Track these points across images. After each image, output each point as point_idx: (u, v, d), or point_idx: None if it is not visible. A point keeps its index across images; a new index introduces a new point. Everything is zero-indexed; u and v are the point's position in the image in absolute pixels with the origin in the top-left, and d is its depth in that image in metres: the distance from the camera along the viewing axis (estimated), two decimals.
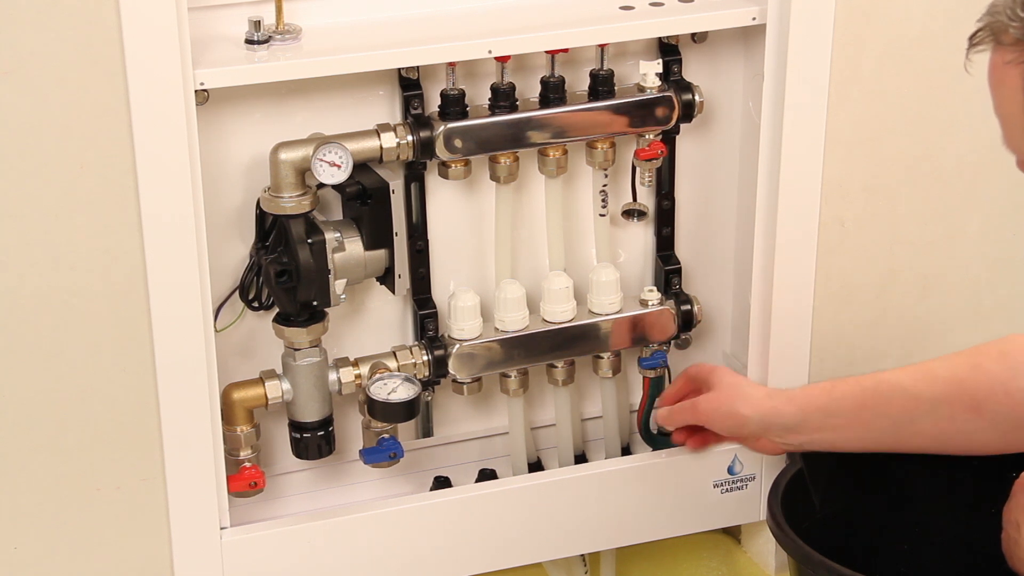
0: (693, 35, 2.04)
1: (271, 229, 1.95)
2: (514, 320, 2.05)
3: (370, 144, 1.92)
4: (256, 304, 2.00)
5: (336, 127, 1.94)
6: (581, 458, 2.22)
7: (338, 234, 1.94)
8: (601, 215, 2.10)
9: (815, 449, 1.89)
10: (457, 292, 2.04)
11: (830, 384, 1.87)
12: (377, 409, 1.99)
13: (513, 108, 1.96)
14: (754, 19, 1.97)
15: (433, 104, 1.96)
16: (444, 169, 1.97)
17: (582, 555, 2.21)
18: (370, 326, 2.09)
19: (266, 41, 1.85)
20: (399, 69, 1.94)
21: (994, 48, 1.36)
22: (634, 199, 2.10)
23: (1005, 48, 1.35)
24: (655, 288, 2.12)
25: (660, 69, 2.00)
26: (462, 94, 1.94)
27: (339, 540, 2.02)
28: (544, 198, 2.07)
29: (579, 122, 1.98)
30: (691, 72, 2.06)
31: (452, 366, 2.04)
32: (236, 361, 2.03)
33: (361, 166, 1.94)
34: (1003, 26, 1.34)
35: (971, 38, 1.37)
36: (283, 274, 1.92)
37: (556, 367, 2.13)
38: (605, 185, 2.08)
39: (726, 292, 2.21)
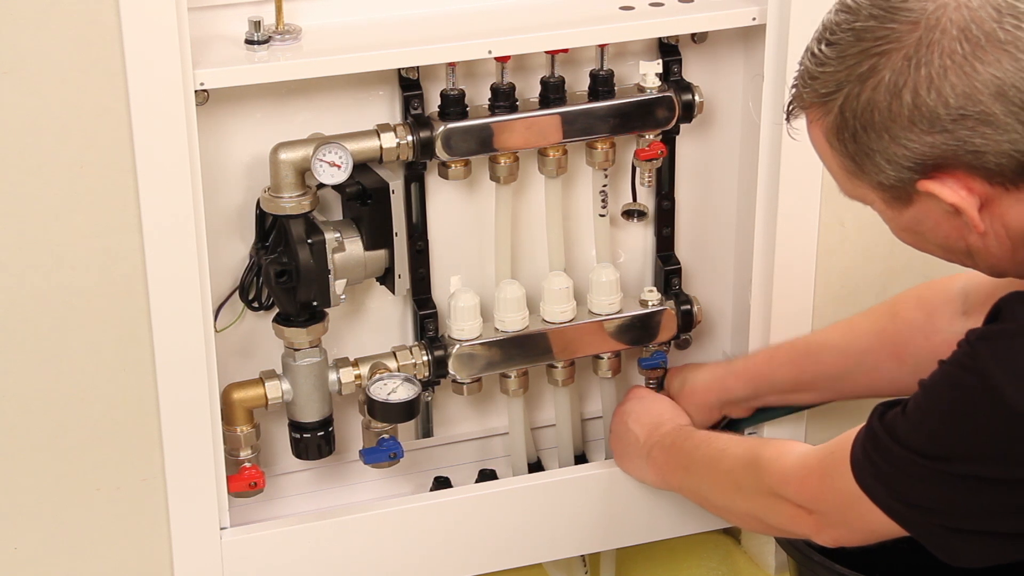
0: (693, 35, 2.04)
1: (271, 229, 1.95)
2: (514, 320, 2.05)
3: (370, 144, 1.92)
4: (256, 304, 2.00)
5: (336, 127, 1.94)
6: (581, 458, 2.22)
7: (338, 234, 1.94)
8: (601, 215, 2.10)
9: (775, 406, 2.08)
10: (457, 292, 2.04)
11: (768, 354, 2.06)
12: (377, 409, 1.99)
13: (513, 108, 1.96)
14: (754, 19, 1.97)
15: (433, 104, 1.96)
16: (444, 169, 1.97)
17: (582, 555, 2.21)
18: (370, 326, 2.09)
19: (266, 41, 1.85)
20: (399, 69, 1.94)
21: (803, 113, 1.49)
22: (634, 199, 2.10)
23: (808, 111, 1.48)
24: (655, 288, 2.12)
25: (660, 69, 2.00)
26: (462, 94, 1.94)
27: (339, 540, 2.02)
28: (544, 198, 2.07)
29: (579, 122, 1.98)
30: (691, 72, 2.06)
31: (452, 366, 2.04)
32: (236, 361, 2.03)
33: (361, 166, 1.94)
34: (801, 93, 1.48)
35: (785, 109, 1.51)
36: (283, 274, 1.92)
37: (556, 367, 2.13)
38: (605, 185, 2.08)
39: (726, 292, 2.21)
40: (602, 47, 1.98)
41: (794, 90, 1.49)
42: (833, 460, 1.59)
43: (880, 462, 1.51)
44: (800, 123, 1.51)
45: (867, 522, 1.56)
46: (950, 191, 1.42)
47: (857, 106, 1.42)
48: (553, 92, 1.97)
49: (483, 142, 1.95)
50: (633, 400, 2.10)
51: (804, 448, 1.70)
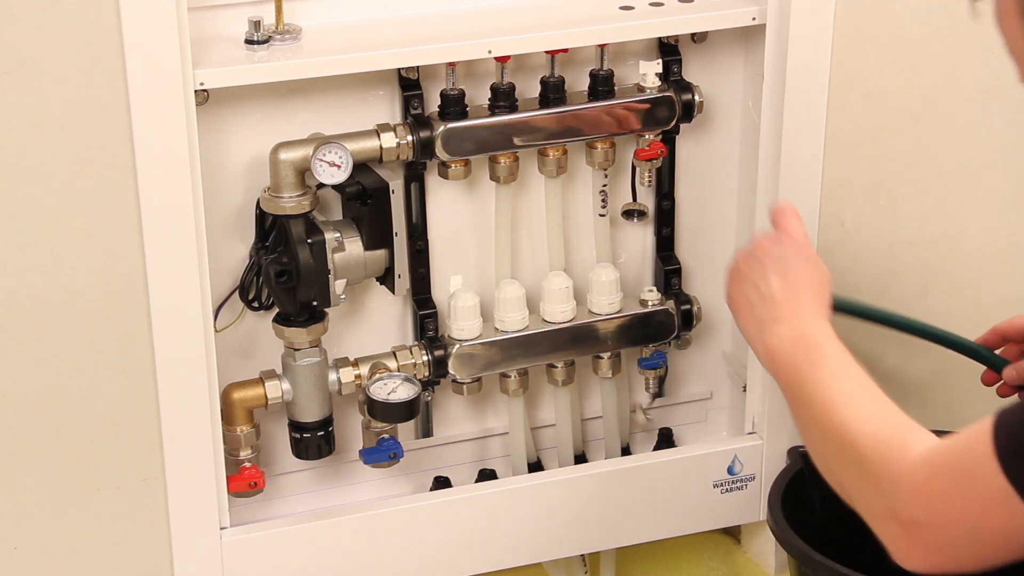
0: (693, 35, 2.04)
1: (271, 229, 1.95)
2: (514, 320, 2.05)
3: (370, 144, 1.92)
4: (256, 304, 2.00)
5: (336, 127, 1.94)
6: (581, 458, 2.22)
7: (338, 234, 1.94)
8: (601, 215, 2.10)
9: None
10: (457, 292, 2.04)
11: None
12: (377, 409, 1.99)
13: (513, 108, 1.96)
14: (754, 19, 1.97)
15: (433, 104, 1.96)
16: (444, 169, 1.97)
17: (582, 555, 2.21)
18: (370, 326, 2.09)
19: (266, 41, 1.85)
20: (399, 69, 1.94)
21: None
22: (634, 199, 2.10)
23: None
24: (655, 288, 2.12)
25: (660, 69, 2.00)
26: (462, 94, 1.94)
27: (339, 540, 2.02)
28: (544, 198, 2.07)
29: (579, 122, 1.98)
30: (691, 72, 2.06)
31: (452, 366, 2.04)
32: (236, 361, 2.03)
33: (361, 166, 1.94)
34: None
35: None
36: (283, 274, 1.92)
37: (556, 367, 2.13)
38: (605, 185, 2.08)
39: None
40: (602, 47, 1.98)
41: None
42: (971, 456, 1.34)
43: None
44: (983, 6, 1.37)
45: (999, 533, 1.33)
46: None
47: None
48: (553, 92, 1.97)
49: (483, 142, 1.95)
50: (789, 245, 1.70)
51: (931, 444, 1.41)
